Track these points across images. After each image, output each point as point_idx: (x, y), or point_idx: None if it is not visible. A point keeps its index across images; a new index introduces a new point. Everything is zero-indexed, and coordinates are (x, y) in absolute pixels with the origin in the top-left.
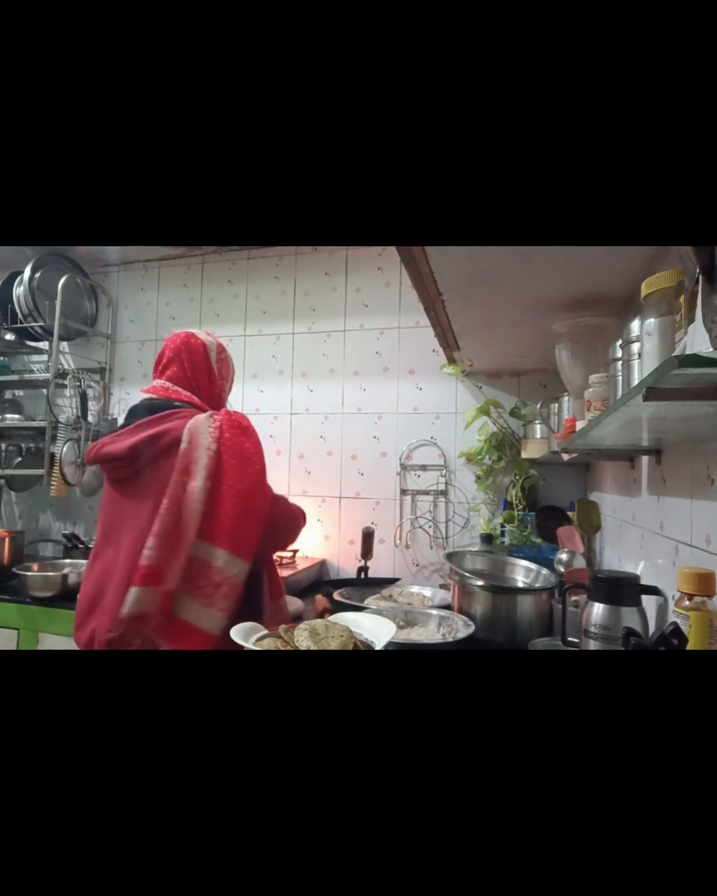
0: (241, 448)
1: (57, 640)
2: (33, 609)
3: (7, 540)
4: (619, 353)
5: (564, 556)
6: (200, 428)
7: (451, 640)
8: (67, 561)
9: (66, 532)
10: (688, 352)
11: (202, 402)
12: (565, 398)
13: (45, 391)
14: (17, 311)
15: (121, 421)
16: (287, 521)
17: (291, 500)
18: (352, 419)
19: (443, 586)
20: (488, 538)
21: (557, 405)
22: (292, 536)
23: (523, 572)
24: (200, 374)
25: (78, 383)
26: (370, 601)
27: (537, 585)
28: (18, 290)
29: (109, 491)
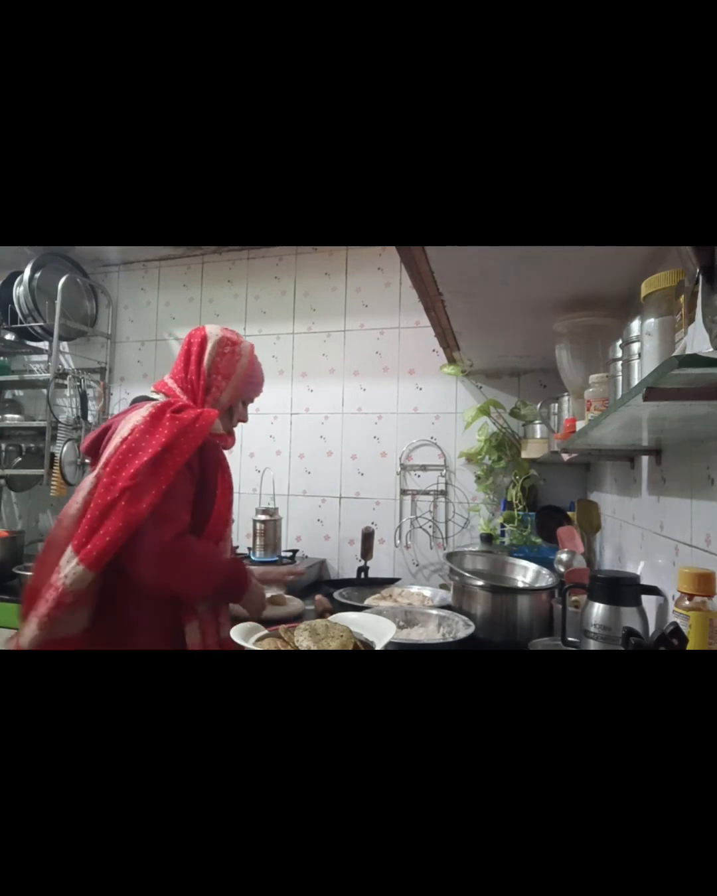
0: (145, 437)
1: None
2: None
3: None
4: (619, 353)
5: (564, 556)
6: (130, 418)
7: (451, 640)
8: None
9: None
10: (688, 352)
11: (180, 395)
12: (565, 398)
13: (45, 391)
14: (17, 311)
15: None
16: (163, 549)
17: (291, 499)
18: (352, 419)
19: (443, 586)
20: (488, 538)
21: (557, 405)
22: (165, 578)
23: (523, 572)
24: (191, 365)
25: (78, 383)
26: (370, 601)
27: (537, 585)
28: (18, 290)
29: None
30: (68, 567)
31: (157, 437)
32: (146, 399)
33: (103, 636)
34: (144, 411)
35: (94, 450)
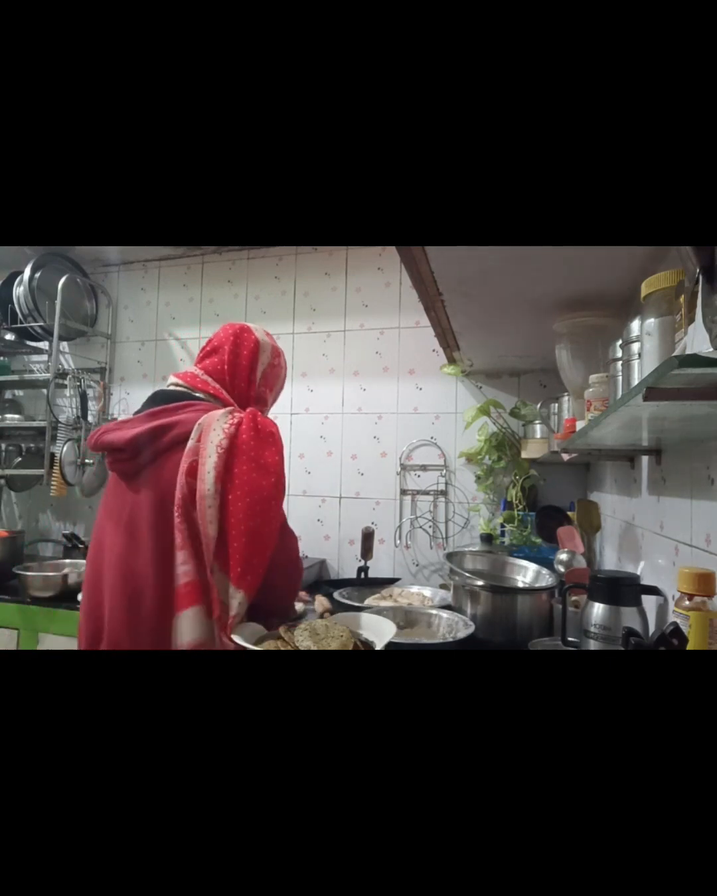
0: (259, 455)
1: (57, 640)
2: (33, 609)
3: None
4: (619, 353)
5: (564, 556)
6: (214, 424)
7: (451, 640)
8: (67, 561)
9: (66, 532)
10: (688, 352)
11: (229, 399)
12: (565, 398)
13: (45, 391)
14: (17, 311)
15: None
16: (290, 561)
17: (291, 499)
18: (352, 419)
19: (443, 586)
20: (488, 538)
21: (557, 405)
22: (289, 587)
23: (522, 572)
24: (240, 371)
25: (78, 383)
26: (370, 601)
27: (538, 585)
28: (18, 290)
29: (113, 479)
30: (237, 600)
31: (271, 456)
32: (191, 397)
33: None
34: (230, 419)
35: (136, 447)
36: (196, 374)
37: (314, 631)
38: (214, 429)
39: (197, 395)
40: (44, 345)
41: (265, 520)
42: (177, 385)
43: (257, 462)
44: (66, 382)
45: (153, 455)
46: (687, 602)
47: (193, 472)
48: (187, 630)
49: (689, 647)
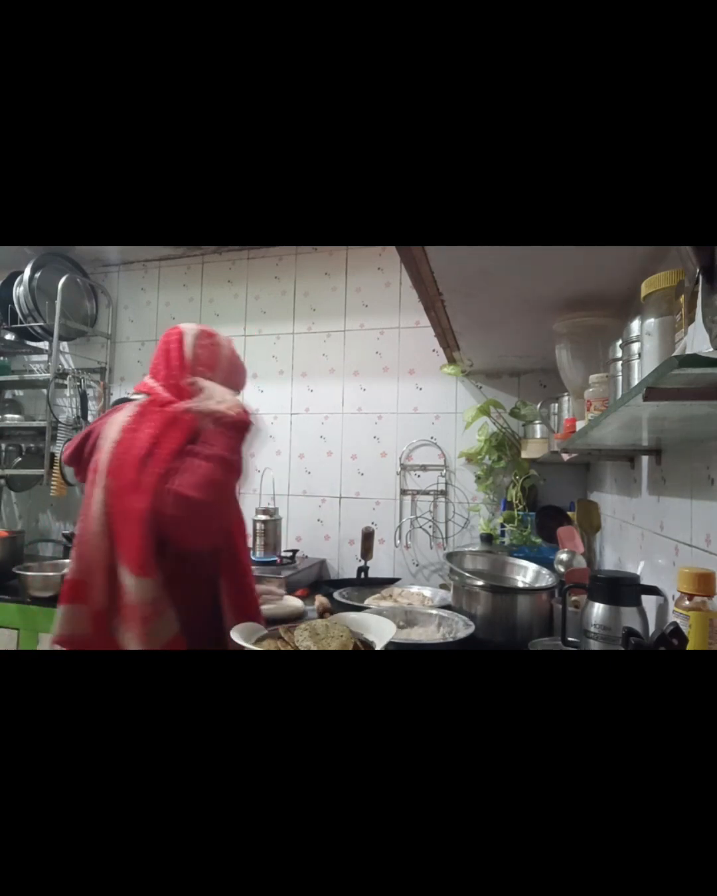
0: (133, 436)
1: None
2: (33, 609)
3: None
4: (619, 353)
5: (564, 556)
6: (117, 419)
7: (451, 640)
8: (67, 561)
9: (66, 532)
10: (688, 352)
11: (165, 392)
12: (565, 398)
13: (45, 391)
14: (17, 311)
15: None
16: (195, 485)
17: (291, 499)
18: (352, 419)
19: (443, 586)
20: (488, 538)
21: (557, 405)
22: (190, 522)
23: (522, 572)
24: (172, 360)
25: (78, 383)
26: (370, 601)
27: (538, 585)
28: (18, 290)
29: None
30: (131, 583)
31: (147, 430)
32: (127, 400)
33: (193, 633)
34: (127, 411)
35: (78, 457)
36: (145, 381)
37: (314, 631)
38: (114, 424)
39: (135, 397)
40: (44, 345)
41: (129, 496)
42: (131, 395)
43: (130, 443)
44: (66, 382)
45: (85, 461)
46: (687, 602)
47: (96, 468)
48: (57, 625)
49: (689, 647)
